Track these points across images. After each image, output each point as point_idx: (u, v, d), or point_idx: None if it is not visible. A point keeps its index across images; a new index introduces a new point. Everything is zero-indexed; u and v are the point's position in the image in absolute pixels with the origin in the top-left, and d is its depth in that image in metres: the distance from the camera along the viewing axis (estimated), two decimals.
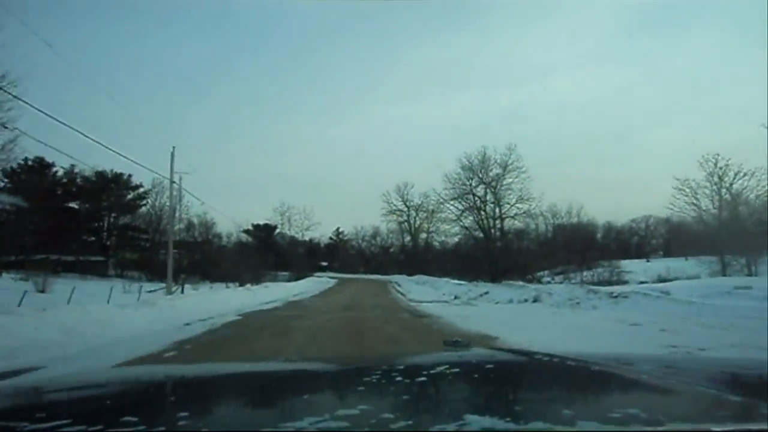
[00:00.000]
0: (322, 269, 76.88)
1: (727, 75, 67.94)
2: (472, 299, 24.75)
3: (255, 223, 76.82)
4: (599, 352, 2.03)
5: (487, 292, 26.22)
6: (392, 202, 71.59)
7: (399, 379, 1.31)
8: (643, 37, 73.52)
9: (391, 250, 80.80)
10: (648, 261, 60.53)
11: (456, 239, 52.67)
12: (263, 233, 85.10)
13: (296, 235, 70.59)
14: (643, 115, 74.64)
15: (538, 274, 46.83)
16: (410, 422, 0.90)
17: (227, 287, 32.75)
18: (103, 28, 75.87)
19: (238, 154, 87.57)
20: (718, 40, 68.41)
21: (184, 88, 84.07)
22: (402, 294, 32.73)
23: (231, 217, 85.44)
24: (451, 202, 51.27)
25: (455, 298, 25.94)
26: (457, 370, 1.45)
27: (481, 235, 49.95)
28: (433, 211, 63.14)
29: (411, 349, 8.98)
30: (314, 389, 1.37)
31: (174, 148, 28.62)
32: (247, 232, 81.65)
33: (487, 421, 0.84)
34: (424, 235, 71.31)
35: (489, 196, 49.12)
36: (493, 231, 49.35)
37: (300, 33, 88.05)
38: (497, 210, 48.49)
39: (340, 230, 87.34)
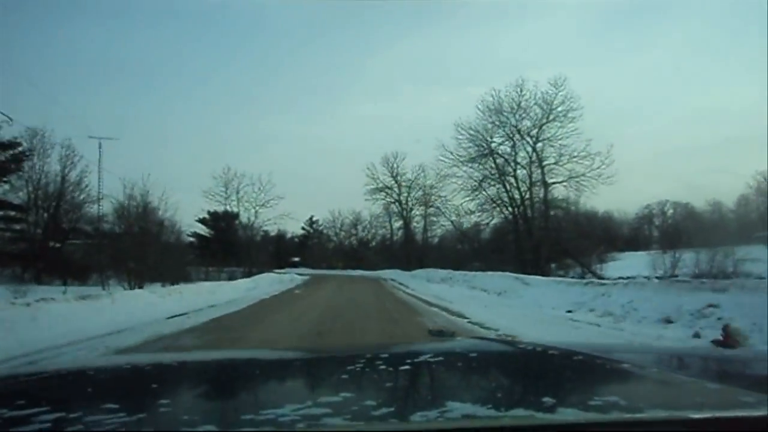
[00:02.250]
0: (294, 265, 63.95)
1: (703, 71, 60.40)
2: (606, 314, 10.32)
3: (211, 210, 60.91)
4: (583, 342, 2.19)
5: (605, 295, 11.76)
6: (378, 178, 56.91)
7: (382, 367, 1.29)
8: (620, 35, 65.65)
9: (375, 240, 66.03)
10: None
11: (474, 218, 38.09)
12: (223, 222, 70.97)
13: (248, 216, 53.12)
14: (618, 112, 64.41)
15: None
16: (392, 409, 0.90)
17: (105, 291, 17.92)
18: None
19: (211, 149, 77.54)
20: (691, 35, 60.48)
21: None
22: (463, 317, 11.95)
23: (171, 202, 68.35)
24: (466, 168, 36.95)
25: (570, 311, 11.34)
26: (440, 358, 1.45)
27: (510, 210, 35.84)
28: (430, 186, 49.21)
29: None
30: (297, 377, 1.38)
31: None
32: (202, 221, 66.13)
33: (468, 408, 0.85)
34: (419, 220, 56.61)
35: (522, 153, 35.39)
36: (528, 205, 35.12)
37: (277, 31, 77.34)
38: (538, 174, 34.38)
39: (314, 219, 72.25)
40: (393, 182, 56.52)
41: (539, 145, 34.11)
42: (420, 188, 53.72)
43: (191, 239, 55.16)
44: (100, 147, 27.05)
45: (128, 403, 1.00)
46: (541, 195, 34.44)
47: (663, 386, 1.15)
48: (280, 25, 76.76)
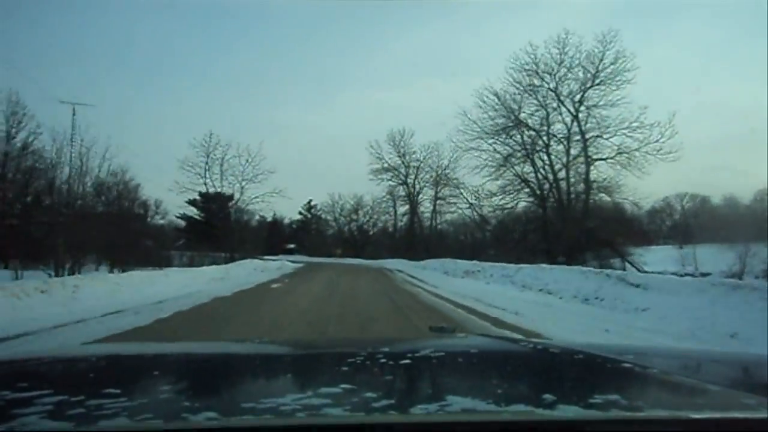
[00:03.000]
0: (290, 252, 59.33)
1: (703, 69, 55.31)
2: None
3: (203, 191, 55.26)
4: (585, 342, 2.27)
5: None
6: (383, 157, 50.84)
7: (383, 361, 1.29)
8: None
9: (377, 227, 60.17)
10: None
11: (496, 200, 32.08)
12: (215, 205, 65.61)
13: (233, 192, 44.15)
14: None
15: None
16: (392, 401, 0.91)
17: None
18: None
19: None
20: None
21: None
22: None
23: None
24: (490, 141, 30.99)
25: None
26: (441, 354, 1.44)
27: (539, 192, 29.90)
28: (444, 167, 43.44)
29: None
30: (298, 369, 1.37)
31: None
32: (192, 203, 60.69)
33: (468, 402, 0.86)
34: (427, 206, 50.67)
35: (558, 126, 29.49)
36: (563, 186, 29.19)
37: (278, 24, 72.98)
38: (577, 149, 28.52)
39: (312, 204, 66.23)
40: (399, 162, 50.62)
41: (581, 113, 28.19)
42: (431, 170, 47.89)
43: (181, 222, 49.81)
44: (74, 114, 23.18)
45: (130, 389, 1.01)
46: (576, 175, 28.57)
47: (664, 386, 1.15)
48: (282, 14, 72.94)
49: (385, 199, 54.57)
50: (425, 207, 50.89)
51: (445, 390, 1.03)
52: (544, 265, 16.44)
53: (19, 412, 0.78)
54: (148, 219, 40.92)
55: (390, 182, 51.22)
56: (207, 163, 40.17)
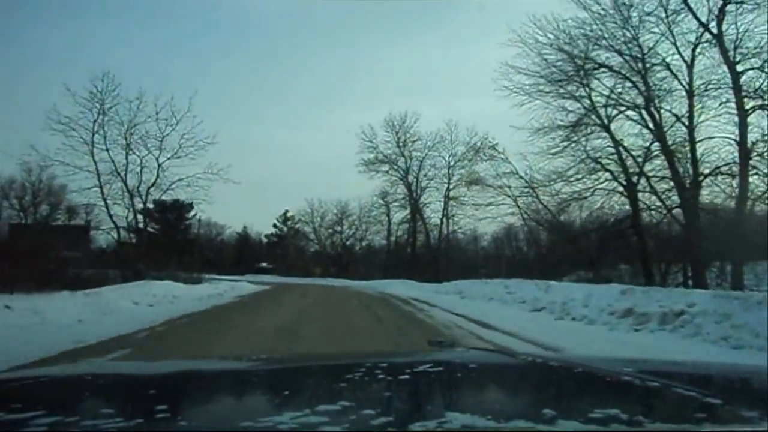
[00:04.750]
0: (263, 271, 48.61)
1: None
2: None
3: (158, 198, 42.78)
4: (584, 354, 2.00)
5: None
6: (377, 146, 39.71)
7: (381, 376, 1.25)
8: None
9: (367, 239, 48.82)
10: None
11: (559, 185, 20.46)
12: (173, 215, 54.02)
13: (140, 168, 23.10)
14: None
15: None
16: (391, 418, 0.89)
17: None
18: None
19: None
20: None
21: None
22: None
23: None
24: (548, 97, 19.80)
25: None
26: (440, 368, 1.42)
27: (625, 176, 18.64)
28: (479, 147, 30.00)
29: None
30: (295, 385, 1.34)
31: None
32: (144, 212, 48.77)
33: (467, 419, 0.83)
34: (436, 207, 39.70)
35: (661, 74, 18.16)
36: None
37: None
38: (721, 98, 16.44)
39: (289, 215, 54.57)
40: (399, 154, 39.35)
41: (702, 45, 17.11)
42: (443, 159, 36.97)
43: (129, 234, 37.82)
44: None
45: (125, 409, 1.01)
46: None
47: (664, 400, 1.14)
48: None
49: (376, 205, 43.23)
50: (432, 210, 39.63)
51: (444, 406, 1.03)
52: None
53: None
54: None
55: (387, 176, 40.15)
56: (98, 121, 20.84)
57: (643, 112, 18.43)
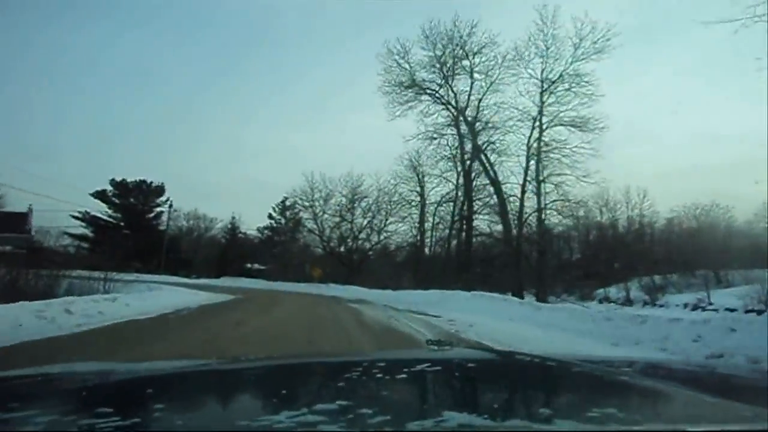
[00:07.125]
0: (249, 274, 40.16)
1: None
2: None
3: (118, 179, 34.57)
4: (581, 354, 1.93)
5: None
6: (411, 68, 27.38)
7: (379, 375, 1.27)
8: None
9: (388, 230, 38.16)
10: None
11: None
12: (140, 204, 45.19)
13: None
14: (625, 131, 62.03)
15: None
16: (388, 417, 0.89)
17: None
18: None
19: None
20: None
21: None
22: None
23: None
24: None
25: None
26: (438, 368, 1.42)
27: None
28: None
29: None
30: (293, 384, 1.35)
31: None
32: (101, 196, 41.29)
33: (465, 418, 0.85)
34: (513, 172, 27.29)
35: None
36: None
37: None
38: None
39: (287, 203, 44.29)
40: (442, 78, 26.68)
41: None
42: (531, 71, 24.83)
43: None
44: None
45: (122, 408, 0.99)
46: None
47: (661, 399, 1.14)
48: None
49: (404, 179, 30.54)
50: (512, 179, 24.40)
51: (441, 405, 1.02)
52: None
53: (10, 431, 0.78)
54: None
55: (430, 107, 26.18)
56: None
57: None
